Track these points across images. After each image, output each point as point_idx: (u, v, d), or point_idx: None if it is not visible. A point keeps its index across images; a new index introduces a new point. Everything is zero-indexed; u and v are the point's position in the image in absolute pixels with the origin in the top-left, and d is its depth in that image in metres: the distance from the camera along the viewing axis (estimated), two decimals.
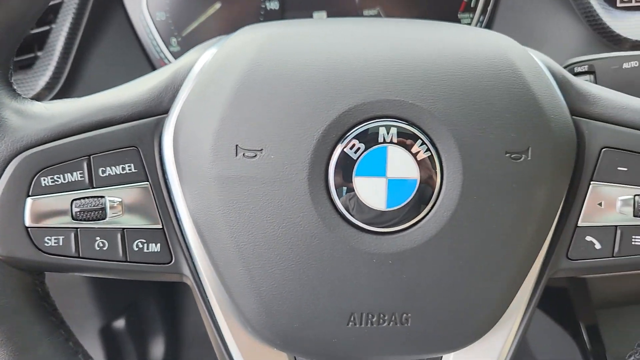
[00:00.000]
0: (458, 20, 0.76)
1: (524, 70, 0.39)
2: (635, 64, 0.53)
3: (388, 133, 0.38)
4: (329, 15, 0.75)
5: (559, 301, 1.01)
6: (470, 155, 0.38)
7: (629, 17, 0.69)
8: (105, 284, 0.90)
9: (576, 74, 0.55)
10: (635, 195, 0.42)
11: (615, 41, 0.68)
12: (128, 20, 0.74)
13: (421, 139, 0.38)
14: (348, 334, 0.40)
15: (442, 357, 0.45)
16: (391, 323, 0.40)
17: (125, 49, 0.75)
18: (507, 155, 0.38)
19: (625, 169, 0.42)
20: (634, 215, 0.42)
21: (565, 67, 0.56)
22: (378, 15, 0.75)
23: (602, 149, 0.42)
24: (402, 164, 0.38)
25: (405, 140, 0.38)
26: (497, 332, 0.43)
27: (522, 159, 0.38)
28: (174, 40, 0.75)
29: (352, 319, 0.40)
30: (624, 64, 0.53)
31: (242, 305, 0.40)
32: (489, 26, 0.76)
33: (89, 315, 1.10)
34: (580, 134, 0.42)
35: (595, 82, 0.54)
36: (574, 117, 0.42)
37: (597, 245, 0.42)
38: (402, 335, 0.40)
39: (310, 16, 0.75)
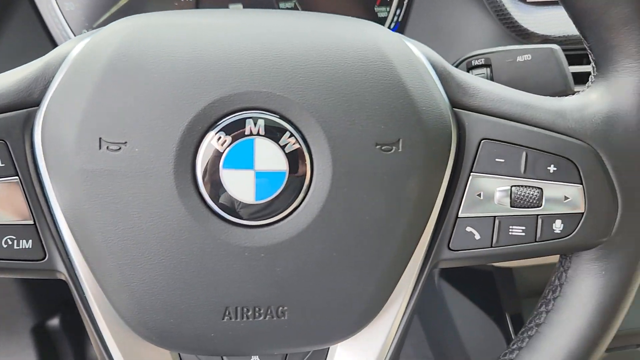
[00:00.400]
0: (375, 14, 0.76)
1: (395, 61, 0.40)
2: (528, 57, 0.54)
3: (255, 125, 0.37)
4: (244, 7, 0.75)
5: (485, 290, 1.03)
6: (339, 147, 0.38)
7: (537, 12, 0.70)
8: (37, 282, 0.87)
9: (473, 67, 0.56)
10: (512, 186, 0.42)
11: (524, 36, 0.69)
12: (36, 12, 0.72)
13: (289, 131, 0.37)
14: (225, 329, 0.40)
15: (328, 348, 0.45)
16: (267, 317, 0.40)
17: (35, 42, 0.72)
18: (378, 147, 0.38)
19: (503, 160, 0.42)
20: (511, 206, 0.42)
21: (463, 60, 0.56)
22: (295, 8, 0.75)
23: (481, 140, 0.43)
24: (270, 157, 0.37)
25: (273, 132, 0.37)
26: (381, 322, 0.43)
27: (392, 151, 0.39)
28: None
29: (227, 313, 0.39)
30: (518, 57, 0.54)
31: (115, 302, 0.39)
32: (405, 20, 0.76)
33: (20, 315, 1.07)
34: (461, 126, 0.43)
35: (492, 75, 0.55)
36: (455, 109, 0.43)
37: (477, 236, 0.43)
38: (280, 328, 0.40)
39: (227, 8, 0.74)
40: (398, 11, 0.76)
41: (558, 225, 0.42)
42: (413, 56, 0.41)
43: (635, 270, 0.43)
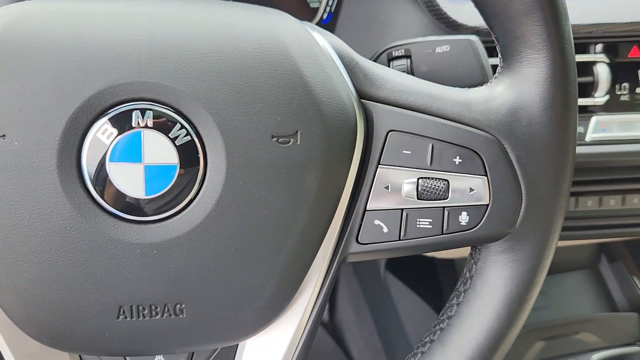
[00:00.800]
0: (307, 5, 0.75)
1: (294, 51, 0.38)
2: (447, 48, 0.53)
3: (143, 117, 0.36)
4: None
5: (428, 281, 1.03)
6: (233, 139, 0.36)
7: (466, 3, 0.70)
8: None
9: (394, 58, 0.55)
10: (419, 179, 0.42)
11: (453, 27, 0.69)
12: None
13: (180, 123, 0.36)
14: (120, 328, 0.38)
15: (237, 345, 0.44)
16: (165, 315, 0.38)
17: None
18: (274, 139, 0.37)
19: (410, 152, 0.42)
20: (418, 198, 0.42)
21: (384, 51, 0.55)
22: None
23: (389, 132, 0.42)
24: (159, 150, 0.36)
25: (162, 124, 0.36)
26: (289, 318, 0.42)
27: (290, 143, 0.38)
28: None
29: (121, 312, 0.38)
30: (437, 48, 0.53)
31: (2, 302, 0.37)
32: (337, 10, 0.75)
33: None
34: (369, 117, 0.42)
35: (411, 67, 0.54)
36: (362, 100, 0.42)
37: (385, 229, 0.42)
38: (179, 326, 0.39)
39: None
40: (330, 1, 0.75)
41: (464, 218, 0.42)
42: (316, 46, 0.40)
43: (541, 261, 0.43)
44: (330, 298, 1.46)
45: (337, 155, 0.40)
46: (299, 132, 0.38)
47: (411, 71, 0.55)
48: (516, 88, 0.42)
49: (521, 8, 0.40)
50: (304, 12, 0.75)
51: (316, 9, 0.75)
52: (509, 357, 0.99)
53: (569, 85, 0.41)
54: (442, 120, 0.42)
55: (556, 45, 0.40)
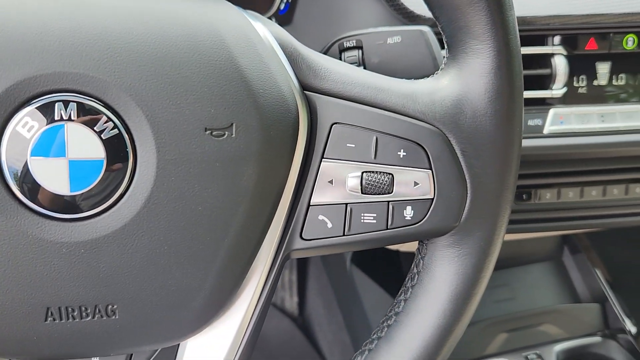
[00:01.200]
0: None
1: (230, 40, 0.37)
2: (398, 39, 0.52)
3: (66, 109, 0.34)
4: None
5: (392, 275, 1.03)
6: (164, 132, 0.35)
7: None
8: None
9: (345, 49, 0.54)
10: (363, 172, 0.41)
11: (410, 18, 0.68)
12: None
13: (106, 116, 0.34)
14: (49, 331, 0.36)
15: (178, 346, 0.43)
16: (96, 316, 0.37)
17: None
18: (208, 132, 0.36)
19: (353, 146, 0.41)
20: (363, 193, 0.41)
21: (335, 42, 0.54)
22: None
23: (332, 124, 0.41)
24: (84, 144, 0.34)
25: (87, 117, 0.34)
26: (231, 316, 0.41)
27: (225, 136, 0.36)
28: None
29: (49, 314, 0.36)
30: (388, 39, 0.52)
31: None
32: (294, 0, 0.74)
33: None
34: (312, 110, 0.41)
35: (363, 58, 0.53)
36: (306, 92, 0.41)
37: (329, 224, 0.41)
38: (111, 328, 0.37)
39: None
40: None
41: (409, 212, 0.41)
42: (254, 35, 0.39)
43: (487, 256, 0.42)
44: (299, 292, 1.46)
45: (277, 149, 0.38)
46: (234, 125, 0.36)
47: (362, 62, 0.54)
48: (461, 80, 0.41)
49: None
50: (261, 3, 0.73)
51: (272, 0, 0.74)
52: (471, 349, 1.00)
53: (514, 77, 0.40)
54: (386, 112, 0.41)
55: (500, 35, 0.39)
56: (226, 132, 0.36)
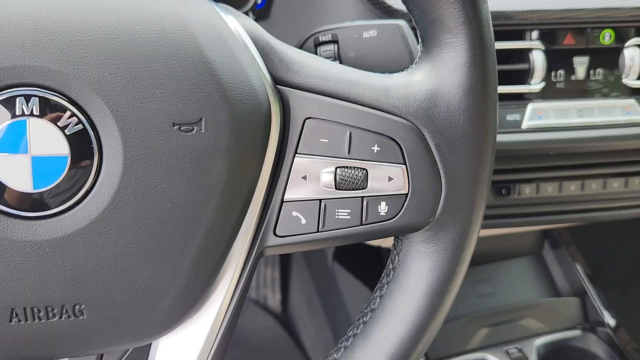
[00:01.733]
0: None
1: (199, 34, 0.36)
2: (374, 33, 0.52)
3: (28, 104, 0.33)
4: None
5: (374, 271, 1.02)
6: (130, 127, 0.34)
7: None
8: None
9: (321, 43, 0.53)
10: (336, 168, 0.40)
11: (388, 12, 0.67)
12: None
13: (70, 111, 0.33)
14: (15, 332, 0.35)
15: (150, 345, 0.42)
16: (63, 316, 0.36)
17: None
18: (176, 127, 0.35)
19: (327, 141, 0.40)
20: (337, 188, 0.40)
21: (311, 36, 0.54)
22: None
23: (306, 119, 0.40)
24: (47, 140, 0.33)
25: (50, 112, 0.33)
26: (203, 315, 0.40)
27: (194, 131, 0.35)
28: None
29: (14, 315, 0.35)
30: (364, 33, 0.52)
31: None
32: None
33: None
34: (285, 104, 0.40)
35: (339, 52, 0.53)
36: (278, 86, 0.40)
37: (303, 221, 0.41)
38: (79, 328, 0.36)
39: None
40: None
41: (383, 207, 0.41)
42: (225, 29, 0.38)
43: (462, 251, 0.42)
44: (282, 289, 1.45)
45: (247, 144, 0.38)
46: (203, 120, 0.36)
47: (338, 57, 0.53)
48: (435, 73, 0.40)
49: None
50: None
51: None
52: (453, 344, 1.00)
53: (487, 71, 0.40)
54: (360, 107, 0.40)
55: (474, 29, 0.39)
56: (195, 127, 0.35)
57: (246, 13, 0.73)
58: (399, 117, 0.40)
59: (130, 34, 0.34)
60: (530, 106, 0.71)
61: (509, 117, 0.71)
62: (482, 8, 0.39)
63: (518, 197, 0.76)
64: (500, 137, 0.71)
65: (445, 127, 0.40)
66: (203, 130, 0.36)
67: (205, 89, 0.36)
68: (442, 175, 0.41)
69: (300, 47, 0.55)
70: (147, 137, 0.34)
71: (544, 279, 1.07)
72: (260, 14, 0.73)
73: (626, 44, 0.72)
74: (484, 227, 0.66)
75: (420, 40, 0.42)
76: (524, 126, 0.71)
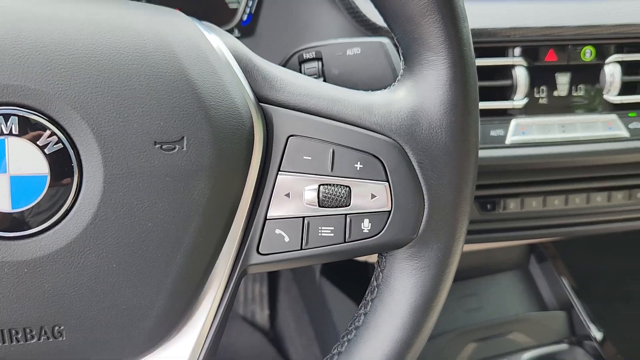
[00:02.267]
0: (225, 5, 0.73)
1: (180, 52, 0.36)
2: (358, 50, 0.52)
3: (7, 123, 0.33)
4: None
5: (362, 287, 1.02)
6: (111, 146, 0.34)
7: None
8: None
9: (305, 61, 0.53)
10: (320, 185, 0.40)
11: (372, 29, 0.68)
12: None
13: (50, 130, 0.33)
14: None
15: None
16: (42, 338, 0.35)
17: None
18: (157, 146, 0.35)
19: (310, 158, 0.40)
20: (320, 206, 0.40)
21: (295, 54, 0.54)
22: None
23: (289, 137, 0.40)
24: (26, 159, 0.33)
25: (29, 131, 0.33)
26: (186, 335, 0.40)
27: (175, 150, 0.35)
28: None
29: None
30: (348, 50, 0.52)
31: None
32: (257, 11, 0.73)
33: None
34: (268, 122, 0.40)
35: (323, 69, 0.53)
36: (261, 104, 0.40)
37: (286, 238, 0.41)
38: (59, 350, 0.36)
39: None
40: (250, 2, 0.73)
41: (366, 225, 0.41)
42: (207, 47, 0.38)
43: (445, 267, 0.42)
44: (270, 305, 1.44)
45: (230, 162, 0.38)
46: (185, 138, 0.35)
47: (322, 74, 0.53)
48: (417, 91, 0.41)
49: (418, 9, 0.39)
50: (223, 13, 0.73)
51: (235, 10, 0.73)
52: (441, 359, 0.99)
53: (468, 89, 0.40)
54: (342, 124, 0.40)
55: (455, 47, 0.39)
56: (177, 146, 0.35)
57: (232, 30, 0.73)
58: (382, 134, 0.40)
59: (111, 52, 0.34)
60: (513, 122, 0.72)
61: (493, 133, 0.71)
62: (463, 27, 0.40)
63: (503, 212, 0.76)
64: (484, 153, 0.71)
65: (427, 144, 0.40)
66: (185, 149, 0.35)
67: (187, 107, 0.36)
68: (424, 193, 0.41)
69: (285, 65, 0.55)
70: (128, 155, 0.34)
71: (530, 293, 1.07)
72: (246, 31, 0.74)
73: (607, 61, 0.73)
74: (469, 242, 0.66)
75: (402, 57, 0.42)
76: (507, 142, 0.71)
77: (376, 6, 0.41)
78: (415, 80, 0.41)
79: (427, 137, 0.40)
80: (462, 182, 0.41)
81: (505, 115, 0.72)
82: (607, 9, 0.73)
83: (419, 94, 0.41)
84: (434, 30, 0.39)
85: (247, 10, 0.73)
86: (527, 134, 0.72)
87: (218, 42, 0.40)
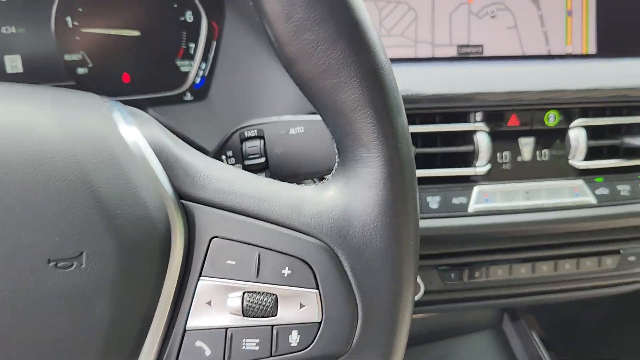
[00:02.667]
0: (177, 68, 0.70)
1: (84, 157, 0.33)
2: (301, 129, 0.49)
3: None
4: (24, 60, 0.66)
5: None
6: (6, 265, 0.30)
7: None
8: None
9: (247, 139, 0.50)
10: (244, 293, 0.37)
11: None
12: None
13: None
14: None
15: None
16: None
17: None
18: (51, 264, 0.31)
19: (234, 263, 0.37)
20: (244, 315, 0.37)
21: (236, 131, 0.51)
22: (82, 61, 0.67)
23: (212, 238, 0.37)
24: None
25: None
26: None
27: (72, 267, 0.32)
28: None
29: None
30: (291, 129, 0.49)
31: None
32: (211, 75, 0.71)
33: None
34: (190, 221, 0.37)
35: (265, 148, 0.50)
36: (184, 201, 0.37)
37: (207, 352, 0.37)
38: None
39: (1, 61, 0.65)
40: (203, 65, 0.70)
41: (294, 337, 0.37)
42: (117, 146, 0.35)
43: None
44: None
45: (139, 275, 0.34)
46: (84, 254, 0.32)
47: (265, 153, 0.50)
48: (350, 189, 0.38)
49: (349, 103, 0.36)
50: (175, 77, 0.70)
51: (187, 73, 0.70)
52: None
53: (405, 187, 0.37)
54: (269, 225, 0.37)
55: (390, 144, 0.36)
56: (74, 263, 0.32)
57: (184, 93, 0.71)
58: (312, 236, 0.37)
59: (3, 160, 0.31)
60: (476, 189, 0.69)
61: (455, 201, 0.69)
62: (398, 122, 0.37)
63: (467, 282, 0.73)
64: (446, 222, 0.68)
65: (360, 248, 0.37)
66: (84, 266, 0.32)
67: (88, 219, 0.32)
68: (358, 301, 0.37)
69: (226, 142, 0.52)
70: (18, 276, 0.31)
71: (503, 352, 1.04)
72: (199, 94, 0.71)
73: (571, 125, 0.71)
74: (432, 311, 0.63)
75: (336, 151, 0.39)
76: (470, 210, 0.69)
77: (306, 96, 0.38)
78: (347, 177, 0.38)
79: (360, 240, 0.37)
80: (400, 288, 0.38)
81: (467, 181, 0.69)
82: (570, 72, 0.71)
83: (351, 193, 0.37)
84: (366, 125, 0.36)
85: (200, 74, 0.70)
86: (490, 201, 0.69)
87: (136, 135, 0.37)
